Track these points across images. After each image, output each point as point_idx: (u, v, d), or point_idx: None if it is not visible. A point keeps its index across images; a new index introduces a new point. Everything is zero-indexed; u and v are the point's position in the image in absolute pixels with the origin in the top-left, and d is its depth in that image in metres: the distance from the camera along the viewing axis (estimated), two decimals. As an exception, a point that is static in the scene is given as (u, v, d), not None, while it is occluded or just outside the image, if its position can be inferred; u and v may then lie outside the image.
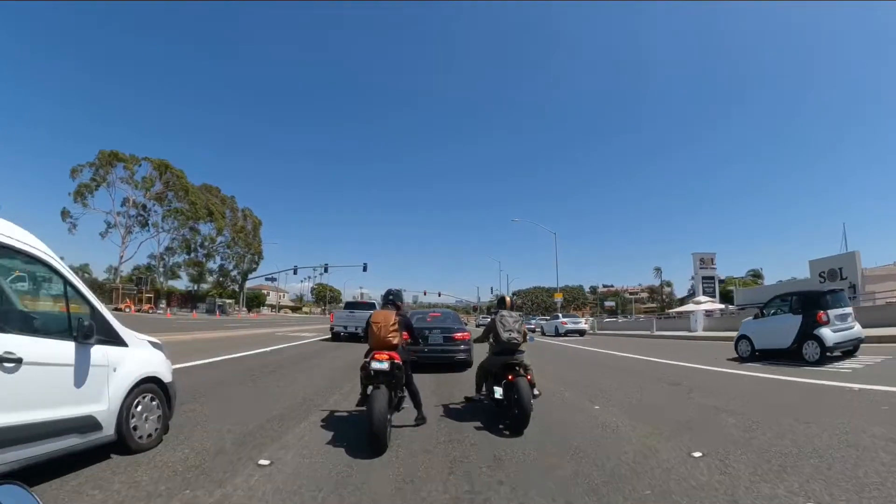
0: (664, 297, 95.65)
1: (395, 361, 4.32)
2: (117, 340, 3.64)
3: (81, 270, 72.49)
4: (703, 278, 30.82)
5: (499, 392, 4.78)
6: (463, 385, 7.27)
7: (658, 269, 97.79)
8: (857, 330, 10.14)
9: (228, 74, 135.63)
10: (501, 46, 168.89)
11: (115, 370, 3.46)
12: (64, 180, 48.87)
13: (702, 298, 29.30)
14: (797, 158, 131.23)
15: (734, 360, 11.10)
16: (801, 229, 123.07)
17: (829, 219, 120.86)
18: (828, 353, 9.51)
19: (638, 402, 5.96)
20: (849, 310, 10.24)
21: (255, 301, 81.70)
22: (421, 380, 7.75)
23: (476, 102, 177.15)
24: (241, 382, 7.09)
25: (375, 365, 4.27)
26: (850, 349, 10.11)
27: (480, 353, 6.27)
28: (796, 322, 10.10)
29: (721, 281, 44.47)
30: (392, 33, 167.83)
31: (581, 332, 27.78)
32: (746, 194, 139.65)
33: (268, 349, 12.83)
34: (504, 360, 4.86)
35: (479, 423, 4.75)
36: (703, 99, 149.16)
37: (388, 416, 4.04)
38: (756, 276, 75.51)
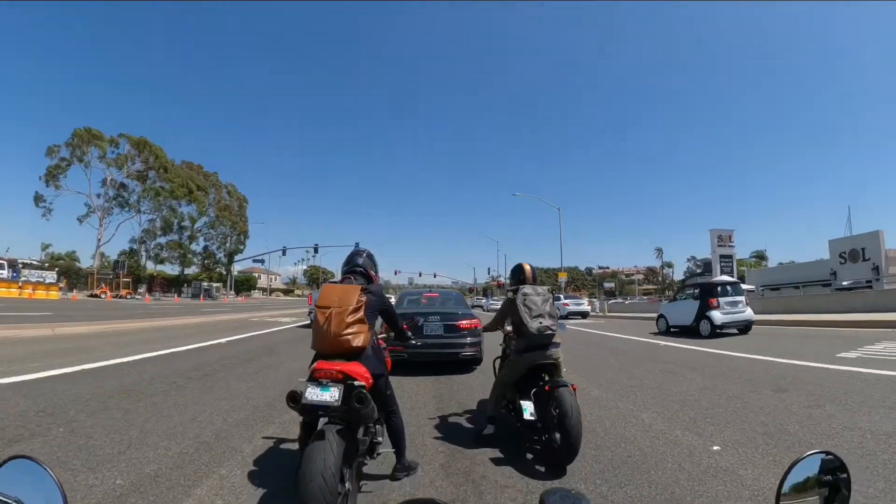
0: (663, 278, 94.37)
1: (356, 384, 2.13)
2: None
3: (69, 258, 69.46)
4: (721, 257, 28.59)
5: (529, 409, 3.16)
6: (473, 392, 5.21)
7: (659, 250, 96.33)
8: (748, 314, 12.17)
9: (219, 59, 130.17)
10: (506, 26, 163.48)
11: None
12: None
13: (722, 278, 27.24)
14: (807, 138, 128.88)
15: (654, 333, 13.73)
16: (809, 210, 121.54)
17: (841, 199, 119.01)
18: (718, 330, 11.63)
19: (765, 429, 3.64)
20: (740, 298, 12.25)
21: (245, 284, 79.32)
22: (414, 385, 5.59)
23: (472, 86, 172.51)
24: (148, 396, 4.72)
25: (313, 394, 2.08)
26: (742, 327, 12.21)
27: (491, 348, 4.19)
28: (696, 306, 12.51)
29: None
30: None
31: (584, 315, 26.46)
32: (749, 175, 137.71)
33: (223, 340, 10.38)
34: (533, 360, 3.25)
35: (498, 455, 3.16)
36: (705, 86, 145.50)
37: (346, 484, 2.03)
38: (760, 257, 73.91)
